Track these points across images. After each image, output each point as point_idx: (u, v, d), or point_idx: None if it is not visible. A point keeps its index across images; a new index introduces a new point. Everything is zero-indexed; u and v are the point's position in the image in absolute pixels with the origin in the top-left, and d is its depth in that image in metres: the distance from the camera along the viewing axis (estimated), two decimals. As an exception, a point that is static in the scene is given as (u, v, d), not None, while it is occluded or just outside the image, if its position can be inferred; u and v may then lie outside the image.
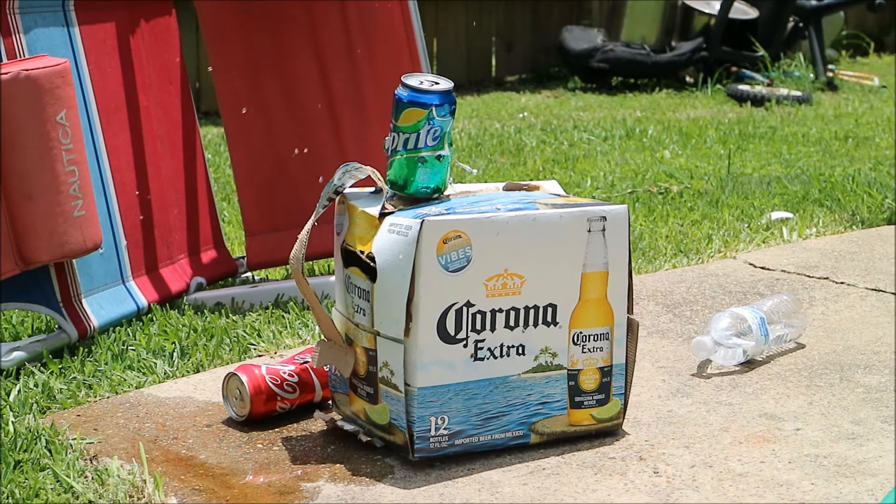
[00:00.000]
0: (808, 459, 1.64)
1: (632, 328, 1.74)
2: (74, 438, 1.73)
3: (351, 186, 1.72)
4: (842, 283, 2.49)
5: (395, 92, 1.66)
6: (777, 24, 6.16)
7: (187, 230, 2.53)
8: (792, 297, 2.15)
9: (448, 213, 1.61)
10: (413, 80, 1.67)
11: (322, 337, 1.72)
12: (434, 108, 1.66)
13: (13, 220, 2.01)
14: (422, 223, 1.57)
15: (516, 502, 1.53)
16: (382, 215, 1.64)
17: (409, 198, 1.69)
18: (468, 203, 1.68)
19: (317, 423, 1.78)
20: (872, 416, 1.79)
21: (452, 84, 1.69)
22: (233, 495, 1.56)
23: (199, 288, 2.48)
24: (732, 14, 6.07)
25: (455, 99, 1.68)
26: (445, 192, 1.72)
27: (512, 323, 1.64)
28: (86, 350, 2.11)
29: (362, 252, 1.65)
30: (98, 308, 2.21)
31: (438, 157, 1.68)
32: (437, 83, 1.67)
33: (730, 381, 1.94)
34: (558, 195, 1.77)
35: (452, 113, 1.68)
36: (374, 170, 1.70)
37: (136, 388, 1.96)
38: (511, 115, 5.39)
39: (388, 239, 1.61)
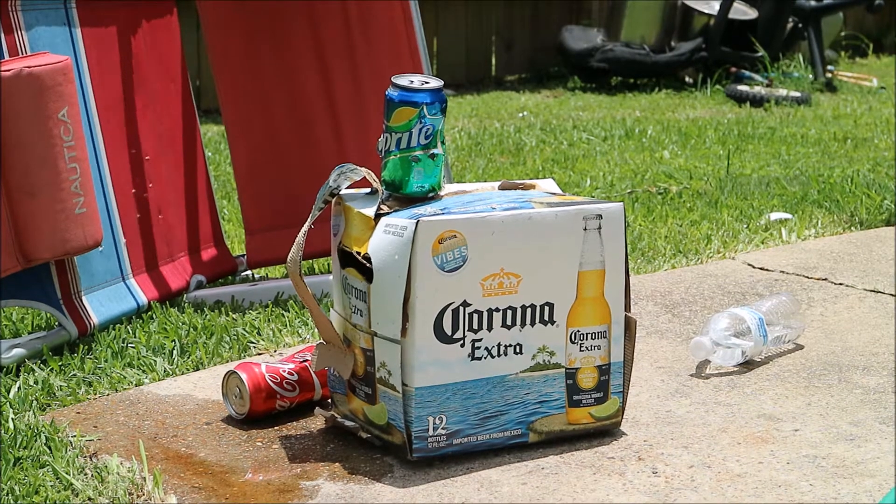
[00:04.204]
0: (807, 460, 1.65)
1: (629, 326, 1.74)
2: (74, 436, 1.73)
3: (347, 188, 1.72)
4: (840, 284, 2.49)
5: (386, 92, 1.67)
6: (776, 25, 6.16)
7: (187, 228, 2.53)
8: (791, 297, 2.16)
9: (443, 213, 1.61)
10: (403, 80, 1.67)
11: (321, 340, 1.72)
12: (425, 107, 1.66)
13: (15, 216, 2.02)
14: (417, 223, 1.57)
15: (515, 502, 1.54)
16: (378, 216, 1.64)
17: (404, 198, 1.69)
18: (463, 202, 1.68)
19: (316, 422, 1.79)
20: (871, 417, 1.80)
21: (442, 82, 1.69)
22: (232, 493, 1.57)
23: (199, 286, 2.49)
24: (732, 14, 6.07)
25: (445, 97, 1.68)
26: (441, 192, 1.72)
27: (509, 322, 1.64)
28: (86, 347, 2.12)
29: (358, 253, 1.65)
30: (98, 305, 2.21)
31: (432, 156, 1.68)
32: (427, 82, 1.67)
33: (728, 382, 1.95)
34: (554, 194, 1.77)
35: (443, 111, 1.68)
36: (370, 171, 1.70)
37: (136, 385, 1.97)
38: (511, 115, 5.39)
39: (384, 240, 1.61)
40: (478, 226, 1.61)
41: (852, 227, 3.00)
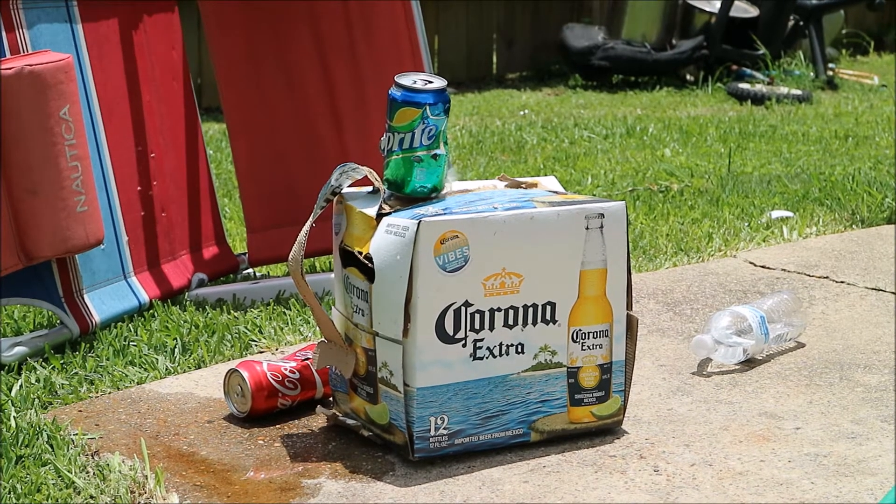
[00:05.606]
0: (808, 458, 1.65)
1: (631, 325, 1.74)
2: (76, 434, 1.73)
3: (349, 186, 1.72)
4: (842, 282, 2.49)
5: (389, 92, 1.67)
6: (777, 23, 6.16)
7: (189, 226, 2.53)
8: (792, 295, 2.16)
9: (445, 213, 1.61)
10: (406, 80, 1.67)
11: (322, 338, 1.72)
12: (428, 107, 1.66)
13: (16, 215, 2.02)
14: (419, 224, 1.57)
15: (517, 500, 1.54)
16: (380, 216, 1.64)
17: (406, 198, 1.69)
18: (465, 202, 1.68)
19: (318, 420, 1.79)
20: (872, 415, 1.80)
21: (446, 83, 1.69)
22: (234, 491, 1.57)
23: (201, 284, 2.49)
24: (733, 12, 6.07)
25: (449, 98, 1.68)
26: (443, 191, 1.72)
27: (511, 322, 1.64)
28: (87, 345, 2.12)
29: (360, 253, 1.65)
30: (100, 303, 2.21)
31: (434, 157, 1.68)
32: (430, 82, 1.67)
33: (730, 380, 1.95)
34: (556, 192, 1.77)
35: (447, 111, 1.68)
36: (372, 170, 1.70)
37: (138, 383, 1.97)
38: (512, 113, 5.39)
39: (386, 239, 1.61)
40: (479, 226, 1.61)
41: (853, 225, 3.00)
